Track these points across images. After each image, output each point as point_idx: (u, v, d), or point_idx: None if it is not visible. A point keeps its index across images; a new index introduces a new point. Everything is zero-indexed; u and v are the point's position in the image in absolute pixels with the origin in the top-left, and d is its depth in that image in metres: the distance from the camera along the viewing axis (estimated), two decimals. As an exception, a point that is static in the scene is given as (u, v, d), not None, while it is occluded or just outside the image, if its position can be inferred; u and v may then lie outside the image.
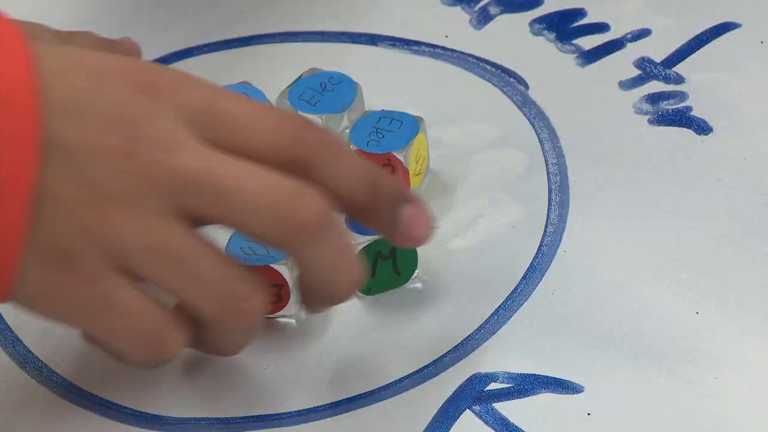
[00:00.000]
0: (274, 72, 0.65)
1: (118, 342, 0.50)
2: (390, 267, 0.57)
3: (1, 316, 0.56)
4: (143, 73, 0.50)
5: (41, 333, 0.56)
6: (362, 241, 0.57)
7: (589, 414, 0.51)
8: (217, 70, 0.69)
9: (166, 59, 0.69)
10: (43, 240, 0.48)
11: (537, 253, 0.56)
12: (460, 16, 0.69)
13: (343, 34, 0.68)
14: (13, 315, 0.56)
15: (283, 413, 0.52)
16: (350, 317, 0.57)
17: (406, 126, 0.59)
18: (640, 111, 0.62)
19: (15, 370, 0.55)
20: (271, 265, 0.56)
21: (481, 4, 0.70)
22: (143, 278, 0.49)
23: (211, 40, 0.69)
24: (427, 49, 0.66)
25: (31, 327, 0.56)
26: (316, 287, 0.51)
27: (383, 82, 0.65)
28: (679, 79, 0.63)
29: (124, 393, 0.54)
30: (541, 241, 0.57)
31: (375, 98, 0.62)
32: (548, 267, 0.56)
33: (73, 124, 0.48)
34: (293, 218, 0.48)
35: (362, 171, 0.51)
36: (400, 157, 0.60)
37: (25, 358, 0.54)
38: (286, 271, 0.56)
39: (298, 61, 0.66)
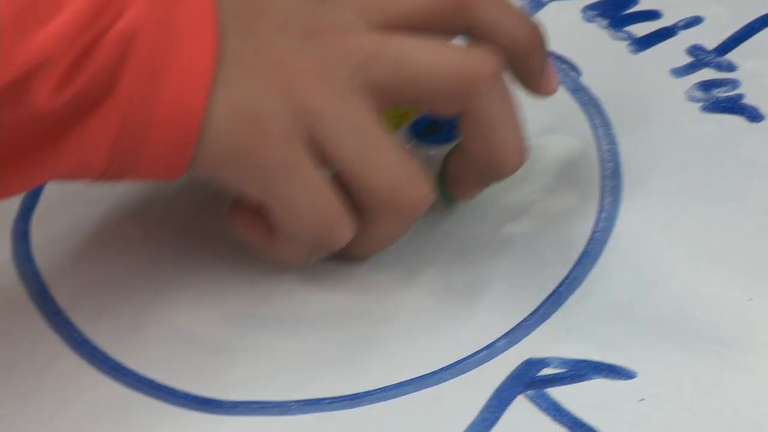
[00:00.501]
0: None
1: (292, 218, 0.52)
2: None
3: (55, 301, 0.56)
4: None
5: (93, 315, 0.56)
6: (435, 152, 0.60)
7: (641, 399, 0.51)
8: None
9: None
10: (232, 99, 0.50)
11: (590, 239, 0.57)
12: (512, 2, 0.69)
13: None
14: (66, 297, 0.56)
15: (336, 397, 0.53)
16: (403, 301, 0.57)
17: None
18: (692, 98, 0.62)
19: (67, 353, 0.55)
20: None
21: (534, -10, 0.71)
22: (327, 155, 0.51)
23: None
24: (480, 35, 0.66)
25: (83, 310, 0.56)
26: (485, 153, 0.53)
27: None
28: (731, 67, 0.63)
29: (177, 376, 0.54)
30: (594, 226, 0.57)
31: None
32: (601, 253, 0.56)
33: (255, 15, 0.51)
34: (468, 69, 0.51)
35: (523, 17, 0.54)
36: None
37: (76, 341, 0.55)
38: None
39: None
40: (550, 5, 0.68)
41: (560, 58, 0.65)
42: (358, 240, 0.54)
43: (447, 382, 0.53)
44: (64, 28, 0.46)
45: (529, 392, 0.51)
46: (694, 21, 0.66)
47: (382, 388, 0.52)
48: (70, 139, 0.49)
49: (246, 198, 0.53)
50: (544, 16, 0.67)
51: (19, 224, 0.62)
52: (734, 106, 0.61)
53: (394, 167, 0.52)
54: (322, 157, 0.51)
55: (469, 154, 0.54)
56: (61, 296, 0.57)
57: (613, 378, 0.51)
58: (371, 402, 0.52)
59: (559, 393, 0.51)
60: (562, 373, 0.52)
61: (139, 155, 0.50)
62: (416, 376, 0.53)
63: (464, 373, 0.53)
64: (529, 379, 0.52)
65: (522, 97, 0.61)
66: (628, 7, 0.68)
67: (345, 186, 0.52)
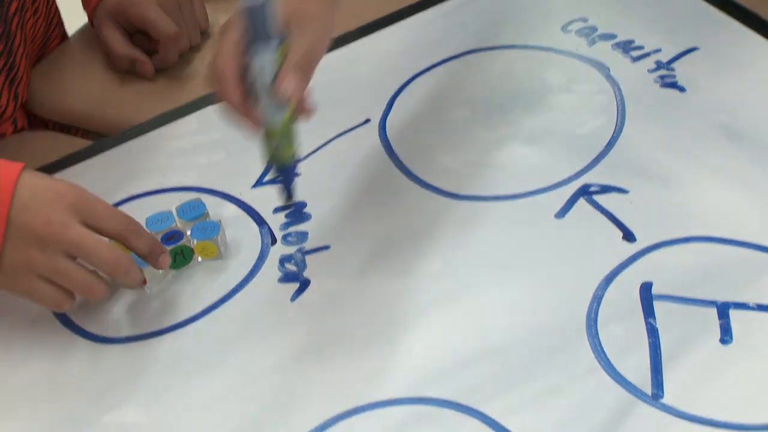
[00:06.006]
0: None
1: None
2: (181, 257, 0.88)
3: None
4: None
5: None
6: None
7: (632, 202, 0.86)
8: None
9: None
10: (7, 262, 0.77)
11: (612, 134, 0.95)
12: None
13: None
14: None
15: (489, 195, 0.87)
16: (526, 162, 0.91)
17: None
18: (656, 81, 1.01)
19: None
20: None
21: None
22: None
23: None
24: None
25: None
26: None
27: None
28: (672, 69, 1.03)
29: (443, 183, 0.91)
30: (614, 130, 0.95)
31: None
32: (618, 139, 0.93)
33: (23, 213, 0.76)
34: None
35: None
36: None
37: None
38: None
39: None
40: (600, 42, 1.07)
41: (599, 62, 1.02)
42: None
43: (550, 192, 0.89)
44: None
45: (585, 197, 0.87)
46: (658, 50, 1.05)
47: (519, 193, 0.89)
48: None
49: None
50: (598, 47, 1.06)
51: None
52: (673, 85, 0.99)
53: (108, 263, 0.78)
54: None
55: None
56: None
57: (617, 192, 0.87)
58: (514, 199, 0.89)
59: (597, 198, 0.87)
60: (598, 190, 0.88)
61: None
62: (536, 189, 0.89)
63: (557, 189, 0.89)
64: (584, 192, 0.88)
65: (583, 78, 0.99)
66: (631, 44, 1.07)
67: None
